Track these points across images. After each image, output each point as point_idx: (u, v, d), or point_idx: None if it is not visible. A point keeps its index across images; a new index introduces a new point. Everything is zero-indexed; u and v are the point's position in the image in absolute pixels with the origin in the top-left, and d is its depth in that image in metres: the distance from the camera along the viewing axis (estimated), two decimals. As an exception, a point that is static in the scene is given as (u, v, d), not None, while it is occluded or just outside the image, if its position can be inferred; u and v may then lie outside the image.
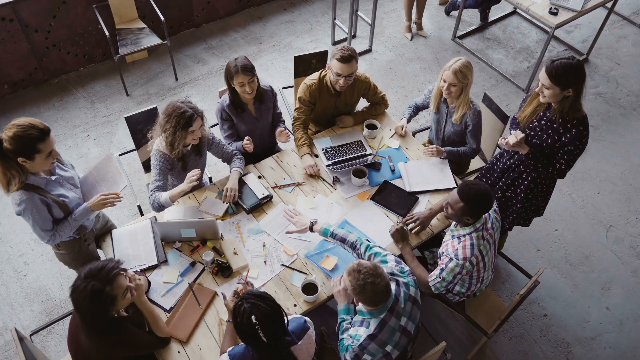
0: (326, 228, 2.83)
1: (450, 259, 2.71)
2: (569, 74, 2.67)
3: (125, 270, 2.37)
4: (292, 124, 3.54)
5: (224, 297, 2.56)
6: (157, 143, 3.04)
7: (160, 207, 2.97)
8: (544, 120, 2.97)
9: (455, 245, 2.74)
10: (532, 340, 3.53)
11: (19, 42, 4.66)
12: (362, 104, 3.75)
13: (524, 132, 3.06)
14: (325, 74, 3.46)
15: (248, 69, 3.18)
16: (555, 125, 2.90)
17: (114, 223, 3.26)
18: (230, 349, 2.28)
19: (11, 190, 2.54)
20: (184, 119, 2.87)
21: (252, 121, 3.47)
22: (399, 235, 2.99)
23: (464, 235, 2.74)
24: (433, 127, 3.64)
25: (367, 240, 2.75)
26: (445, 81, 3.24)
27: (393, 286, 2.43)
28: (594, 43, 5.42)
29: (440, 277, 2.77)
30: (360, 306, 2.44)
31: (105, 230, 3.14)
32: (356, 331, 2.43)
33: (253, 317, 2.05)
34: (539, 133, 2.99)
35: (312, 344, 2.34)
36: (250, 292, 2.14)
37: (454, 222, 2.86)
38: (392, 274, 2.50)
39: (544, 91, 2.79)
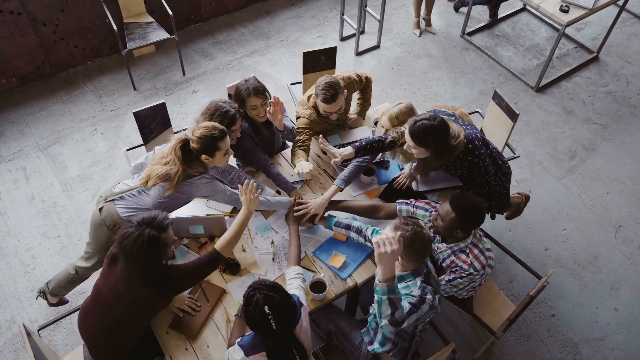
0: (330, 220, 2.93)
1: (470, 274, 2.68)
2: (429, 135, 2.69)
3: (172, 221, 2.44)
4: (293, 145, 3.31)
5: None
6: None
7: None
8: (443, 168, 3.05)
9: (466, 260, 2.70)
10: (539, 340, 3.51)
11: (27, 35, 4.65)
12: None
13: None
14: (315, 101, 3.27)
15: (260, 91, 3.10)
16: (450, 167, 2.97)
17: None
18: (239, 339, 2.32)
19: (183, 182, 2.72)
20: (227, 118, 2.91)
21: (266, 142, 3.40)
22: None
23: (467, 247, 2.70)
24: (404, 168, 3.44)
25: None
26: (382, 127, 3.12)
27: None
28: (605, 41, 5.37)
29: (451, 284, 2.75)
30: (399, 271, 2.43)
31: None
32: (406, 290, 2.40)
33: (266, 308, 2.11)
34: (449, 171, 3.06)
35: (304, 320, 2.38)
36: (262, 282, 2.19)
37: (443, 243, 2.80)
38: None
39: (411, 150, 2.82)
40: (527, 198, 3.72)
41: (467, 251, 2.70)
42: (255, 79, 3.15)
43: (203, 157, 2.74)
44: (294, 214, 2.96)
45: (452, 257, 2.74)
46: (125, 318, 2.45)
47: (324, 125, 3.46)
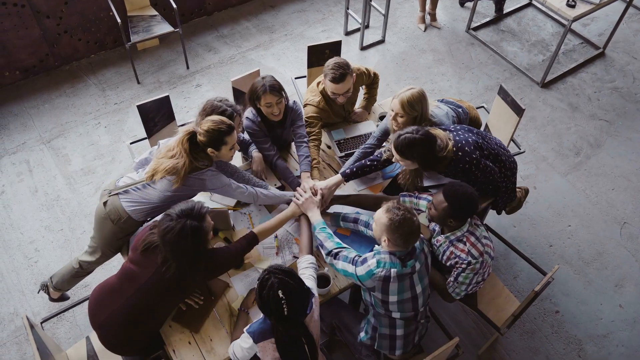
0: (337, 215, 2.96)
1: (469, 262, 2.67)
2: (412, 148, 2.72)
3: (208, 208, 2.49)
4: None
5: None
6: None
7: None
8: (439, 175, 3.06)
9: (463, 248, 2.70)
10: (543, 336, 3.50)
11: (31, 28, 4.64)
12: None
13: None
14: (324, 87, 3.29)
15: (276, 89, 3.06)
16: (446, 173, 2.97)
17: None
18: (247, 327, 2.33)
19: (189, 175, 2.73)
20: (224, 117, 2.86)
21: (277, 138, 3.38)
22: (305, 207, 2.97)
23: (463, 235, 2.71)
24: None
25: None
26: (392, 110, 3.03)
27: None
28: (611, 36, 5.33)
29: (458, 282, 2.75)
30: (382, 248, 2.49)
31: None
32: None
33: (280, 292, 2.12)
34: (450, 177, 3.01)
35: (315, 310, 2.39)
36: (277, 267, 2.20)
37: (441, 233, 2.81)
38: None
39: (400, 162, 2.85)
40: (527, 192, 3.70)
41: (464, 240, 2.71)
42: (272, 77, 3.11)
43: (209, 150, 2.74)
44: (309, 205, 2.91)
45: (451, 248, 2.75)
46: (155, 301, 2.46)
47: (331, 115, 3.45)
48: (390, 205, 2.44)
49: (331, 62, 3.17)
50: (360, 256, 2.53)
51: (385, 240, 2.44)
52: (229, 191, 2.87)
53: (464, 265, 2.69)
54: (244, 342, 2.30)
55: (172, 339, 2.62)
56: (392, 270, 2.42)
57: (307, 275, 2.50)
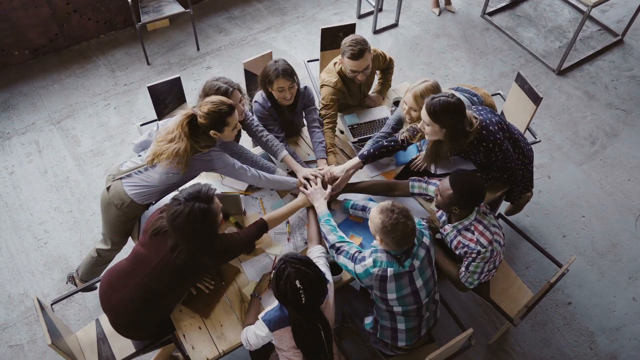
0: (347, 202, 2.92)
1: (479, 252, 2.64)
2: (446, 111, 2.64)
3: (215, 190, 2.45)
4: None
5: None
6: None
7: None
8: (455, 155, 2.99)
9: (472, 238, 2.66)
10: (555, 328, 3.46)
11: (40, 6, 4.58)
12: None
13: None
14: (341, 67, 3.25)
15: (289, 73, 3.01)
16: (463, 155, 2.93)
17: None
18: (262, 314, 2.30)
19: (192, 157, 2.69)
20: (220, 94, 2.83)
21: (287, 123, 3.33)
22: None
23: (471, 224, 2.67)
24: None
25: None
26: (405, 103, 2.98)
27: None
28: (630, 24, 5.21)
29: (469, 272, 2.71)
30: (378, 244, 2.44)
31: None
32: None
33: (297, 282, 2.11)
34: (466, 156, 2.99)
35: (331, 296, 2.37)
36: (294, 256, 2.18)
37: (449, 223, 2.76)
38: None
39: (425, 128, 2.76)
40: (530, 197, 3.67)
41: (472, 228, 2.67)
42: (285, 61, 3.05)
43: (212, 132, 2.68)
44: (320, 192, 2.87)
45: (459, 237, 2.71)
46: (166, 286, 2.44)
47: (348, 97, 3.39)
48: (384, 206, 2.36)
49: (348, 39, 3.12)
50: (361, 252, 2.48)
51: (379, 240, 2.40)
52: (232, 171, 2.82)
53: (474, 255, 2.66)
54: (260, 329, 2.28)
55: (182, 324, 2.61)
56: (389, 269, 2.39)
57: (321, 263, 2.47)
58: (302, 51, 5.08)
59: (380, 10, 5.45)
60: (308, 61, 4.15)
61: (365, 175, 3.19)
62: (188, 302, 2.66)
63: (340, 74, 3.27)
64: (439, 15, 5.50)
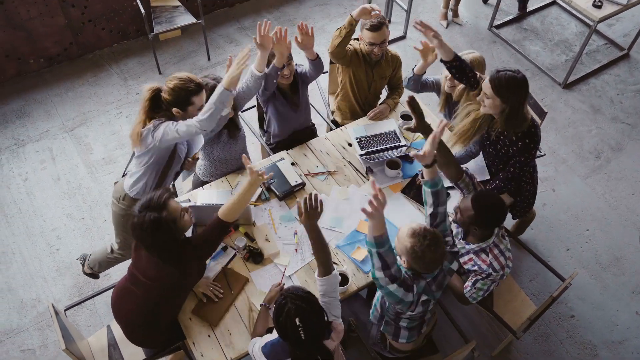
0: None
1: (489, 274, 2.66)
2: (511, 86, 2.63)
3: (172, 195, 2.41)
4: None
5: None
6: None
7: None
8: (492, 134, 2.96)
9: (486, 260, 2.67)
10: (557, 340, 3.50)
11: (56, 16, 4.68)
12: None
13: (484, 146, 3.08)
14: (356, 46, 3.44)
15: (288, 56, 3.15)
16: (502, 138, 2.92)
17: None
18: (262, 344, 2.28)
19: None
20: (207, 90, 2.86)
21: (295, 115, 3.47)
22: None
23: (487, 247, 2.67)
24: None
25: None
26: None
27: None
28: (637, 38, 5.26)
29: (475, 288, 2.74)
30: (403, 262, 2.35)
31: None
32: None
33: (297, 320, 2.05)
34: (493, 145, 3.00)
35: (340, 334, 2.33)
36: (294, 292, 2.13)
37: (464, 242, 2.77)
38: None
39: (484, 100, 2.75)
40: (533, 216, 3.73)
41: (488, 251, 2.68)
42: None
43: (174, 110, 2.63)
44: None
45: (472, 255, 2.73)
46: (161, 299, 2.49)
47: (361, 64, 3.49)
48: (416, 230, 2.26)
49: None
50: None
51: (404, 261, 2.35)
52: (171, 133, 2.64)
53: (484, 275, 2.68)
54: (255, 347, 2.29)
55: (192, 332, 2.67)
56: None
57: (334, 305, 2.36)
58: (311, 62, 5.15)
59: (388, 22, 5.51)
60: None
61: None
62: (197, 310, 2.72)
63: (354, 48, 3.44)
64: (446, 27, 5.57)
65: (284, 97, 3.39)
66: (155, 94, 2.63)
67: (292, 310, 2.07)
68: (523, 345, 3.48)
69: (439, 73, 3.50)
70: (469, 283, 2.77)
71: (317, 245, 2.38)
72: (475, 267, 2.70)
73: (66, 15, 4.73)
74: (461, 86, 3.17)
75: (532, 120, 2.83)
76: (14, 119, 4.61)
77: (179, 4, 4.99)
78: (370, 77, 3.56)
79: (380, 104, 3.68)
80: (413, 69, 3.37)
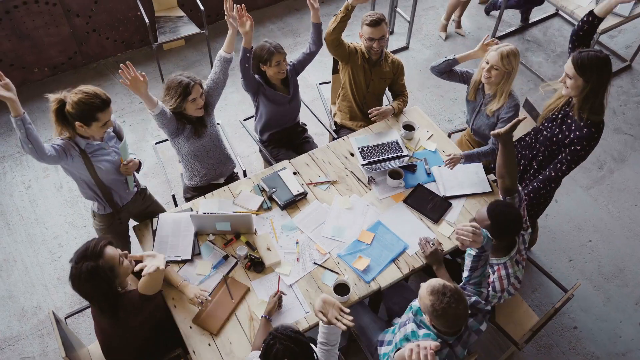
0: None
1: (493, 294, 2.63)
2: (594, 66, 2.62)
3: (111, 242, 2.37)
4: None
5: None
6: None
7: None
8: (561, 114, 2.93)
9: (491, 278, 2.63)
10: (560, 352, 3.48)
11: (61, 26, 4.72)
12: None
13: (541, 126, 3.07)
14: (356, 45, 3.56)
15: (281, 48, 3.36)
16: (569, 121, 2.87)
17: (157, 209, 3.30)
18: None
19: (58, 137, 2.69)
20: (182, 87, 2.99)
21: (286, 104, 3.60)
22: (434, 258, 2.83)
23: (497, 264, 2.63)
24: (467, 114, 3.56)
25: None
26: (487, 62, 3.09)
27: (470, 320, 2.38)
28: (639, 49, 5.27)
29: (468, 283, 2.59)
30: (427, 320, 2.30)
31: (145, 214, 3.19)
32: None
33: None
34: (552, 126, 2.95)
35: None
36: (283, 332, 2.07)
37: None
38: (472, 306, 2.41)
39: (566, 81, 2.74)
40: (535, 238, 3.76)
41: (495, 269, 2.65)
42: (272, 40, 3.40)
43: (77, 124, 2.56)
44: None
45: None
46: (138, 337, 2.54)
47: (357, 62, 3.56)
48: (435, 287, 2.18)
49: (367, 13, 3.41)
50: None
51: (428, 319, 2.27)
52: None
53: (481, 290, 2.59)
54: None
55: (192, 340, 2.66)
56: None
57: (332, 356, 2.30)
58: (314, 73, 5.18)
59: (391, 33, 5.55)
60: (320, 83, 4.23)
61: (374, 197, 3.24)
62: (198, 319, 2.71)
63: (357, 51, 3.54)
64: (445, 39, 5.58)
65: (274, 88, 3.54)
66: (61, 105, 2.56)
67: (280, 351, 2.03)
68: (525, 356, 3.45)
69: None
70: (462, 285, 2.66)
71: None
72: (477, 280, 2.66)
73: (71, 25, 4.77)
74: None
75: (603, 120, 2.82)
76: (17, 127, 4.63)
77: (183, 14, 5.02)
78: (368, 76, 3.61)
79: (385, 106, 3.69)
80: (454, 55, 3.42)
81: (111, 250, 2.33)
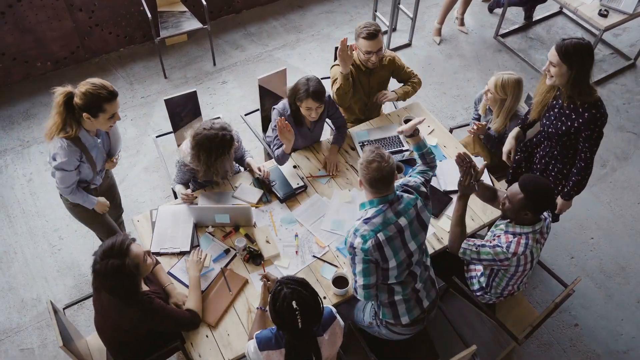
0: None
1: (501, 248, 2.59)
2: (577, 51, 2.68)
3: (134, 239, 2.41)
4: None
5: (266, 280, 2.59)
6: (185, 153, 3.00)
7: None
8: (556, 109, 2.96)
9: (509, 238, 2.61)
10: (561, 349, 3.46)
11: (64, 20, 4.73)
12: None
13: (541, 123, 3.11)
14: (355, 54, 3.44)
15: (319, 95, 3.07)
16: (567, 112, 2.89)
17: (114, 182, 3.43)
18: (257, 332, 2.29)
19: (57, 136, 2.69)
20: (226, 142, 2.87)
21: (307, 134, 3.42)
22: (466, 189, 2.78)
23: (520, 234, 2.61)
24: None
25: (425, 177, 2.72)
26: (487, 84, 3.36)
27: (400, 192, 2.53)
28: (643, 48, 5.25)
29: (476, 248, 2.64)
30: (364, 196, 2.52)
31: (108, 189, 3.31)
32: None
33: (294, 303, 2.06)
34: (554, 121, 2.97)
35: (337, 335, 2.32)
36: (290, 278, 2.15)
37: (505, 221, 2.71)
38: (406, 185, 2.59)
39: (550, 69, 2.78)
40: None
41: (517, 235, 2.61)
42: (317, 81, 3.11)
43: (85, 115, 2.61)
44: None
45: (501, 233, 2.67)
46: (128, 338, 2.52)
47: (357, 86, 3.50)
48: (369, 147, 2.45)
49: (362, 23, 3.31)
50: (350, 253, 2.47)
51: (360, 184, 2.48)
52: (56, 173, 2.79)
53: (492, 244, 2.61)
54: (250, 346, 2.27)
55: (190, 332, 2.65)
56: (379, 235, 2.39)
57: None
58: (316, 68, 5.17)
59: (394, 30, 5.54)
60: (322, 79, 4.21)
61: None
62: (196, 310, 2.71)
63: (352, 64, 3.41)
64: (439, 44, 5.52)
65: (298, 125, 3.33)
66: (68, 97, 2.60)
67: (288, 294, 2.08)
68: (526, 353, 3.43)
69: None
70: (476, 241, 2.67)
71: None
72: (495, 241, 2.63)
73: (74, 19, 4.78)
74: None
75: (599, 97, 2.84)
76: (19, 121, 4.65)
77: (185, 9, 5.03)
78: (366, 86, 3.55)
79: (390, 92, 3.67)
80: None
81: (136, 248, 2.36)
